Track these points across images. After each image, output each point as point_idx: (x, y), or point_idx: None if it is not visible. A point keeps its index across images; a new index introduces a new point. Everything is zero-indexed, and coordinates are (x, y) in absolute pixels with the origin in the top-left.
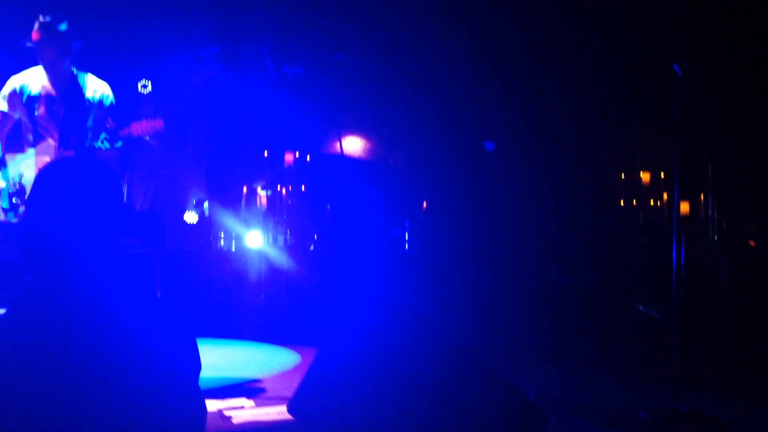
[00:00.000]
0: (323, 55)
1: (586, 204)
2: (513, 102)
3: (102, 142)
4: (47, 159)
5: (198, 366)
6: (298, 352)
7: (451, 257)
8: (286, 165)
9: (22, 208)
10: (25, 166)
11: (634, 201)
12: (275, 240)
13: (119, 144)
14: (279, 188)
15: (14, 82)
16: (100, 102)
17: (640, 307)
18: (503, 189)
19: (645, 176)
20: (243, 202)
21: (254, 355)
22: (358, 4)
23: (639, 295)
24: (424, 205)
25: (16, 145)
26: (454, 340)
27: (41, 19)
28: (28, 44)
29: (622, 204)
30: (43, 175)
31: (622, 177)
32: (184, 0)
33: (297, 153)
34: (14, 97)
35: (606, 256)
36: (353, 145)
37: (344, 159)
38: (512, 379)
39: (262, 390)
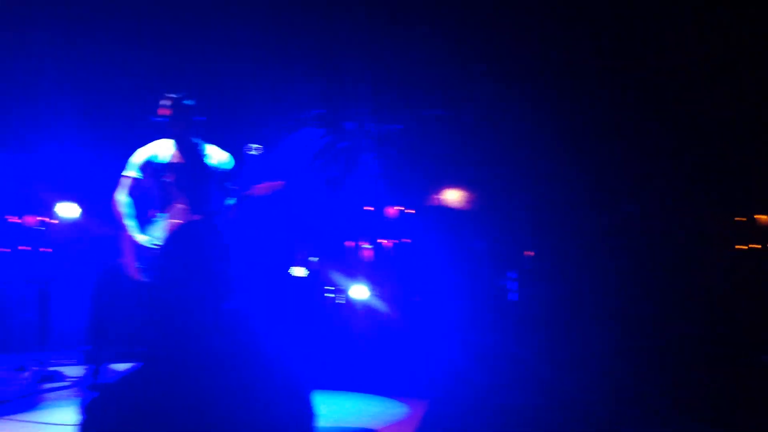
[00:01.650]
0: (422, 111)
1: (701, 248)
2: (625, 154)
3: (224, 206)
4: (176, 222)
5: (314, 418)
6: (407, 403)
7: (560, 307)
8: (389, 219)
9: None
10: (156, 229)
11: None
12: (380, 292)
13: (235, 203)
14: (383, 242)
15: (146, 152)
16: (221, 169)
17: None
18: (615, 239)
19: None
20: (348, 256)
21: (364, 407)
22: (451, 62)
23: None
24: (530, 255)
25: (147, 210)
26: (566, 396)
27: (168, 96)
28: (156, 119)
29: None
30: (168, 240)
31: (740, 220)
32: (289, 69)
33: (399, 207)
34: (146, 166)
35: (730, 305)
36: (455, 197)
37: (446, 211)
38: None
39: None
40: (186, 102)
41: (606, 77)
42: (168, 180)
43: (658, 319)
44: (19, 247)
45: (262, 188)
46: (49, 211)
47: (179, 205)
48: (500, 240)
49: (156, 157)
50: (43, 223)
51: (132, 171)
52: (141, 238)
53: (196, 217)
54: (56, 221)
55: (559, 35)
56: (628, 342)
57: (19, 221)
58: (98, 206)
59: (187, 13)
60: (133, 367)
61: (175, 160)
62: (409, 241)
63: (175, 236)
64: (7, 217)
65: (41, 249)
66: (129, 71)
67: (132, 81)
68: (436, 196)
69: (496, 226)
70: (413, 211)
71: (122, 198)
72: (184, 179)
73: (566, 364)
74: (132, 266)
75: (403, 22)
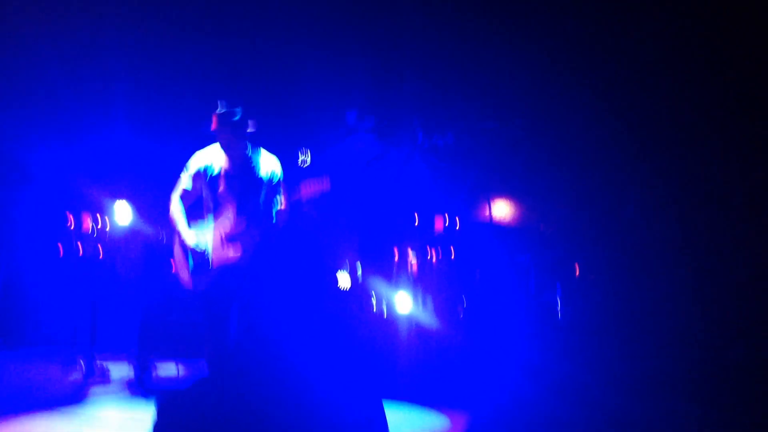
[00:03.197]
0: (473, 123)
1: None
2: (668, 167)
3: (272, 214)
4: (226, 229)
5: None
6: (447, 415)
7: (607, 323)
8: (435, 230)
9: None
10: (206, 235)
11: None
12: (424, 304)
13: (284, 211)
14: (429, 253)
15: (198, 163)
16: (271, 178)
17: None
18: (664, 253)
19: None
20: (394, 265)
21: (404, 417)
22: (505, 73)
23: None
24: (577, 269)
25: (199, 217)
26: (615, 414)
27: (219, 109)
28: (208, 127)
29: None
30: (216, 245)
31: None
32: (341, 77)
33: (446, 218)
34: (198, 176)
35: None
36: (502, 209)
37: (493, 224)
38: None
39: None
40: (236, 110)
41: (659, 83)
42: (218, 188)
43: (721, 339)
44: (72, 249)
45: (309, 191)
46: (103, 214)
47: (229, 213)
48: (547, 252)
49: (206, 165)
50: (96, 225)
51: (184, 179)
52: (192, 244)
53: (245, 224)
54: (109, 224)
55: (609, 45)
56: (685, 363)
57: (73, 223)
58: (152, 210)
59: (241, 19)
60: (181, 368)
61: (225, 169)
62: (454, 252)
63: (224, 243)
64: (61, 219)
65: (94, 251)
66: (185, 74)
67: (188, 84)
68: (483, 207)
69: (543, 238)
70: (459, 222)
71: (175, 205)
72: (233, 187)
73: (616, 380)
74: (182, 271)
75: (454, 32)
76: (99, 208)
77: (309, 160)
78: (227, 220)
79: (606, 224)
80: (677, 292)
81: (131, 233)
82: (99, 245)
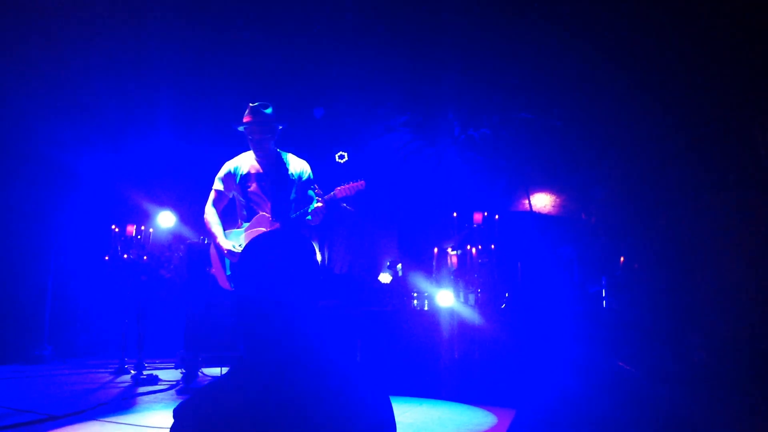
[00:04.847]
0: (510, 114)
1: None
2: (712, 158)
3: (304, 212)
4: (261, 230)
5: (393, 426)
6: (494, 412)
7: (654, 315)
8: (475, 224)
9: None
10: (241, 238)
11: None
12: (466, 299)
13: (318, 210)
14: (469, 248)
15: (229, 165)
16: (300, 177)
17: None
18: (713, 243)
19: None
20: (434, 262)
21: (449, 415)
22: (539, 64)
23: None
24: (622, 260)
25: (232, 220)
26: (665, 411)
27: (251, 104)
28: (240, 128)
29: None
30: (249, 247)
31: None
32: (375, 74)
33: (486, 212)
34: (229, 178)
35: None
36: (543, 201)
37: (534, 216)
38: None
39: None
40: (266, 110)
41: (701, 75)
42: (249, 187)
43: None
44: (118, 254)
45: (345, 189)
46: (147, 220)
47: (261, 213)
48: (591, 245)
49: (237, 166)
50: (140, 231)
51: (217, 183)
52: (228, 247)
53: (276, 224)
54: (152, 230)
55: (651, 36)
56: (723, 350)
57: (118, 230)
58: (193, 215)
59: (278, 22)
60: (225, 372)
61: (257, 170)
62: (495, 245)
63: (257, 244)
64: (110, 226)
65: (139, 257)
66: (224, 78)
67: (225, 87)
68: (523, 201)
69: (587, 230)
70: (499, 215)
71: (209, 209)
72: (264, 186)
73: (665, 376)
74: (221, 274)
75: (490, 26)
76: (143, 214)
77: (346, 157)
78: (261, 220)
79: (655, 215)
80: (729, 285)
81: (174, 238)
82: (143, 250)
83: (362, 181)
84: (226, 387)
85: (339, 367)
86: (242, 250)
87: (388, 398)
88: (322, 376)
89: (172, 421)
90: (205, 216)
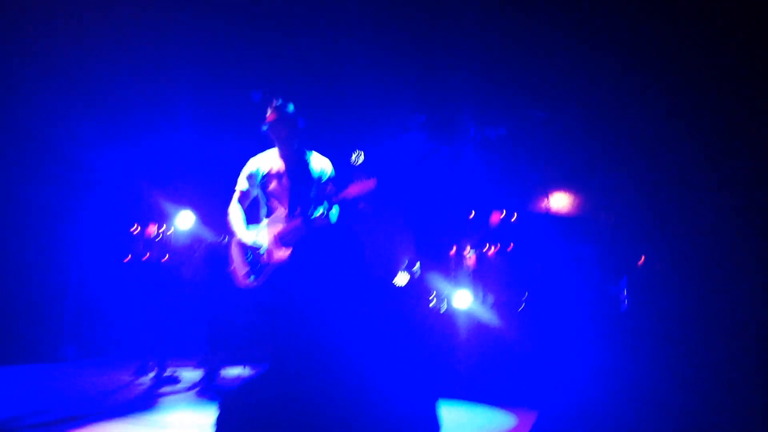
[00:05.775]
0: (525, 114)
1: None
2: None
3: (323, 211)
4: (279, 228)
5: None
6: (514, 413)
7: (674, 317)
8: (492, 225)
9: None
10: (261, 236)
11: None
12: (484, 299)
13: (335, 211)
14: (486, 248)
15: (252, 164)
16: (321, 176)
17: None
18: (736, 246)
19: None
20: (452, 263)
21: (470, 416)
22: (556, 63)
23: None
24: (642, 260)
25: (254, 217)
26: (686, 415)
27: (274, 102)
28: (264, 127)
29: None
30: (270, 245)
31: None
32: (392, 75)
33: (503, 212)
34: (252, 176)
35: None
36: (560, 201)
37: (551, 216)
38: None
39: None
40: (289, 107)
41: (720, 76)
42: (270, 185)
43: None
44: (138, 256)
45: (355, 188)
46: (167, 220)
47: (281, 210)
48: (611, 245)
49: (260, 165)
50: (160, 232)
51: (240, 182)
52: (249, 245)
53: (299, 223)
54: (173, 229)
55: (667, 33)
56: (746, 353)
57: (138, 231)
58: (213, 215)
59: (298, 22)
60: (247, 371)
61: (278, 167)
62: (513, 245)
63: (277, 241)
64: (130, 225)
65: (159, 257)
66: (244, 77)
67: (245, 86)
68: (541, 201)
69: (606, 230)
70: (517, 215)
71: (233, 207)
72: (285, 184)
73: (686, 380)
74: (239, 272)
75: (505, 25)
76: (164, 214)
77: (363, 158)
78: (279, 218)
79: (676, 216)
80: (753, 288)
81: (194, 238)
82: (164, 250)
83: (373, 180)
84: (265, 383)
85: (363, 367)
86: (266, 250)
87: (435, 398)
88: (357, 373)
89: (193, 419)
90: (228, 213)
